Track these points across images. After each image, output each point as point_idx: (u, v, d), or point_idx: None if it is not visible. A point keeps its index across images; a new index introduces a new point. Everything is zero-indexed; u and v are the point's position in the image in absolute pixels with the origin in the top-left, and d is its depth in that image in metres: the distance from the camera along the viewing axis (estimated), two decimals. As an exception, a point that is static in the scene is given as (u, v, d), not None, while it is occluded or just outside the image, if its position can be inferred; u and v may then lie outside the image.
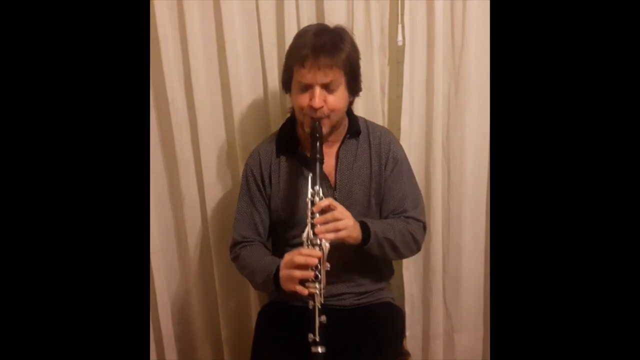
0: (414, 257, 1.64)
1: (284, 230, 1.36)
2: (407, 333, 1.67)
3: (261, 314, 1.40)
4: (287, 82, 1.27)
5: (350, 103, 1.32)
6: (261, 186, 1.34)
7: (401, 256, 1.38)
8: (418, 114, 1.57)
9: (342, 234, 1.15)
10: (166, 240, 1.65)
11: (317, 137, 1.19)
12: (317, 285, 1.10)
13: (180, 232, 1.65)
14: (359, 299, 1.33)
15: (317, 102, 1.18)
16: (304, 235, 1.14)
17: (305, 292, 1.10)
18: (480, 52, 1.51)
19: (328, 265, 1.13)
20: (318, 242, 1.12)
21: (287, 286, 1.15)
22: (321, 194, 1.14)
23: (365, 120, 1.38)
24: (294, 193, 1.31)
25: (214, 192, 1.59)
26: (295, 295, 1.13)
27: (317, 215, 1.13)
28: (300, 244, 1.20)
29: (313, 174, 1.16)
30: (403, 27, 1.49)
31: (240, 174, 1.55)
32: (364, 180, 1.31)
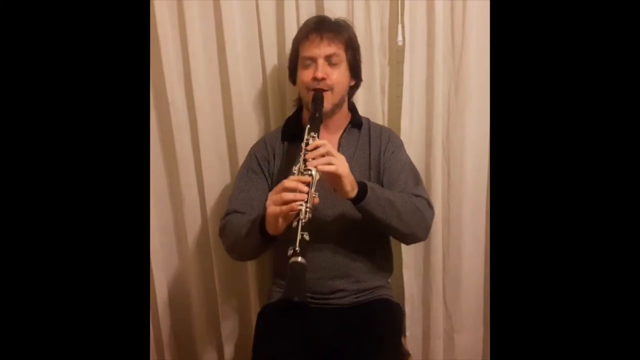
0: (414, 257, 1.65)
1: None
2: (407, 333, 1.68)
3: (261, 315, 1.39)
4: (293, 69, 1.34)
5: (352, 92, 1.37)
6: (264, 165, 1.36)
7: (407, 226, 1.24)
8: (418, 114, 1.57)
9: (332, 168, 1.10)
10: (166, 240, 1.65)
11: (318, 101, 1.24)
12: (303, 203, 1.04)
13: (180, 232, 1.65)
14: (358, 297, 1.33)
15: (320, 71, 1.24)
16: (295, 168, 1.11)
17: (290, 208, 1.04)
18: (480, 52, 1.51)
19: (316, 195, 1.07)
20: (308, 172, 1.08)
21: (271, 211, 1.08)
22: (317, 138, 1.15)
23: (369, 120, 1.43)
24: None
25: (214, 192, 1.59)
26: (280, 225, 1.08)
27: (310, 155, 1.11)
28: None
29: (311, 124, 1.18)
30: (403, 27, 1.49)
31: (239, 171, 1.55)
32: (363, 169, 1.33)
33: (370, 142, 1.36)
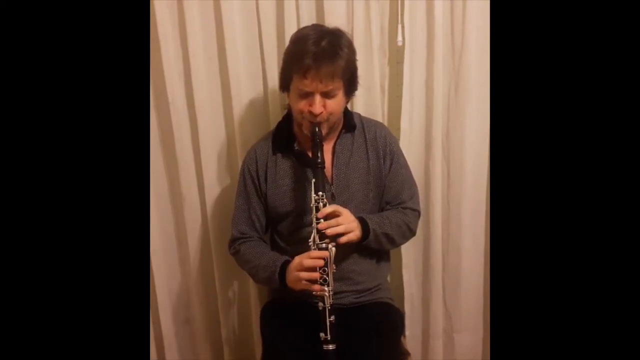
0: (414, 257, 1.65)
1: (281, 226, 1.38)
2: (407, 333, 1.68)
3: (264, 312, 1.41)
4: (285, 83, 1.29)
5: (346, 102, 1.35)
6: (257, 183, 1.37)
7: (397, 246, 1.44)
8: (418, 114, 1.57)
9: (351, 236, 1.21)
10: (166, 240, 1.65)
11: (317, 142, 1.23)
12: (325, 287, 1.15)
13: (180, 232, 1.65)
14: (358, 298, 1.34)
15: (317, 108, 1.22)
16: (310, 239, 1.18)
17: (314, 288, 1.15)
18: (480, 52, 1.51)
19: (334, 267, 1.19)
20: (324, 246, 1.17)
21: (296, 285, 1.20)
22: (325, 200, 1.19)
23: (360, 115, 1.42)
24: (291, 189, 1.33)
25: (214, 192, 1.59)
26: (300, 292, 1.20)
27: (322, 220, 1.17)
28: (299, 239, 1.26)
29: (316, 180, 1.20)
30: (403, 27, 1.49)
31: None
32: (362, 174, 1.33)
33: (367, 145, 1.35)
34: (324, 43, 1.19)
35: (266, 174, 1.36)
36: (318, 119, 1.23)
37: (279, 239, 1.40)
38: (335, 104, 1.25)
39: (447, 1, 1.48)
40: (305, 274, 1.16)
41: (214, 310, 1.69)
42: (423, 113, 1.57)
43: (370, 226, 1.26)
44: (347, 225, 1.20)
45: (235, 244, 1.39)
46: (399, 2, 1.48)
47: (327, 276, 1.15)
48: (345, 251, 1.29)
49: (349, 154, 1.34)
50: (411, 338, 1.70)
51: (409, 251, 1.63)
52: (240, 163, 1.55)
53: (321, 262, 1.15)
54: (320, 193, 1.18)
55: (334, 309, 1.16)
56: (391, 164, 1.36)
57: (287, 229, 1.36)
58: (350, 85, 1.28)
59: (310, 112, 1.22)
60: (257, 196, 1.38)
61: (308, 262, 1.16)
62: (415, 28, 1.50)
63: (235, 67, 1.49)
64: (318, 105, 1.22)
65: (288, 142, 1.35)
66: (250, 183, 1.38)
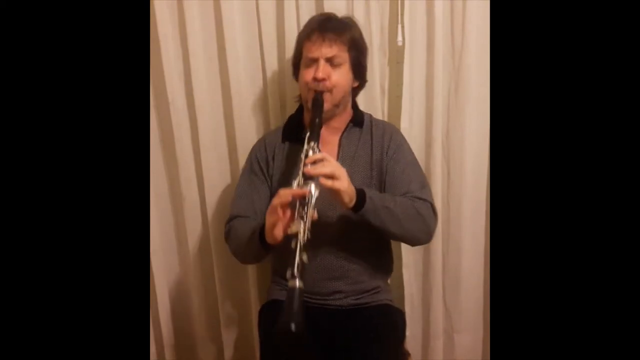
0: (414, 257, 1.65)
1: None
2: (407, 333, 1.67)
3: (262, 313, 1.40)
4: (296, 65, 1.33)
5: (356, 92, 1.36)
6: (264, 167, 1.36)
7: (407, 232, 1.25)
8: (418, 114, 1.57)
9: (337, 183, 1.11)
10: (166, 240, 1.65)
11: (317, 104, 1.23)
12: (301, 222, 1.06)
13: (180, 232, 1.65)
14: (357, 299, 1.32)
15: (321, 72, 1.23)
16: (294, 183, 1.12)
17: (286, 224, 1.09)
18: (480, 52, 1.51)
19: (315, 213, 1.09)
20: (308, 188, 1.09)
21: (269, 227, 1.12)
22: (317, 149, 1.15)
23: (371, 116, 1.41)
24: (296, 177, 1.25)
25: (214, 192, 1.59)
26: (276, 236, 1.11)
27: (308, 170, 1.11)
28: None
29: (311, 132, 1.18)
30: (403, 27, 1.49)
31: (241, 173, 1.55)
32: (365, 168, 1.32)
33: (373, 141, 1.34)
34: (331, 19, 1.30)
35: (273, 159, 1.35)
36: (321, 87, 1.24)
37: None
38: (340, 75, 1.26)
39: (447, 1, 1.48)
40: (277, 199, 1.09)
41: (214, 310, 1.69)
42: (423, 113, 1.57)
43: (367, 194, 1.18)
44: (334, 169, 1.12)
45: (230, 222, 1.35)
46: (399, 2, 1.48)
47: (306, 214, 1.06)
48: (345, 248, 1.26)
49: (355, 149, 1.33)
50: (411, 338, 1.70)
51: (409, 251, 1.63)
52: (240, 163, 1.55)
53: (297, 193, 1.08)
54: (313, 143, 1.15)
55: (333, 311, 1.15)
56: (394, 153, 1.32)
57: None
58: (358, 63, 1.30)
59: (314, 79, 1.24)
60: (263, 178, 1.35)
61: (286, 191, 1.09)
62: (415, 28, 1.50)
63: (235, 67, 1.49)
64: (322, 69, 1.23)
65: (297, 131, 1.34)
66: (256, 166, 1.36)
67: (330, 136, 1.33)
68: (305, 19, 1.48)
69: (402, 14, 1.48)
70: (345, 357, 1.16)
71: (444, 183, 1.61)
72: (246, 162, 1.41)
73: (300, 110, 1.39)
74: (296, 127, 1.36)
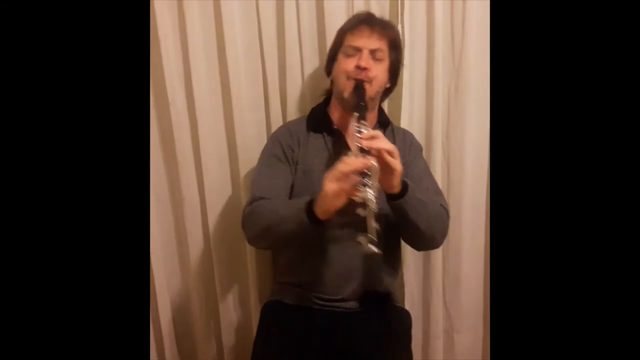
0: (414, 257, 1.65)
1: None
2: (408, 333, 1.68)
3: (263, 311, 1.39)
4: (332, 58, 1.33)
5: (385, 94, 1.37)
6: (288, 153, 1.30)
7: (432, 230, 1.24)
8: (418, 113, 1.57)
9: (394, 163, 1.08)
10: (166, 240, 1.64)
11: (361, 91, 1.22)
12: (368, 190, 1.01)
13: (180, 232, 1.65)
14: (365, 301, 1.31)
15: (365, 62, 1.23)
16: (350, 154, 1.09)
17: (355, 189, 1.02)
18: (480, 52, 1.51)
19: (376, 182, 1.05)
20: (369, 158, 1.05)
21: (329, 189, 1.04)
22: (368, 128, 1.13)
23: (391, 122, 1.42)
24: (320, 170, 1.25)
25: (214, 192, 1.59)
26: (338, 205, 1.05)
27: (365, 143, 1.07)
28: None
29: (359, 111, 1.17)
30: (403, 27, 1.49)
31: (240, 174, 1.55)
32: None
33: (395, 143, 1.32)
34: (376, 16, 1.32)
35: (299, 146, 1.31)
36: (362, 75, 1.23)
37: None
38: (380, 70, 1.26)
39: (447, 1, 1.48)
40: (344, 166, 1.02)
41: (214, 310, 1.69)
42: (423, 113, 1.57)
43: (409, 184, 1.16)
44: (393, 147, 1.08)
45: (252, 205, 1.23)
46: (399, 2, 1.48)
47: (371, 184, 1.02)
48: (356, 254, 1.21)
49: None
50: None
51: (409, 251, 1.63)
52: (240, 163, 1.55)
53: (362, 164, 1.02)
54: (363, 121, 1.13)
55: (340, 314, 1.13)
56: (413, 158, 1.34)
57: None
58: (395, 64, 1.32)
59: (357, 67, 1.23)
60: (287, 164, 1.29)
61: (349, 160, 1.03)
62: (416, 28, 1.50)
63: (235, 67, 1.49)
64: (365, 59, 1.23)
65: (323, 122, 1.33)
66: (280, 152, 1.30)
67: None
68: (305, 18, 1.48)
69: (402, 14, 1.48)
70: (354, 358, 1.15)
71: (444, 183, 1.61)
72: (266, 147, 1.35)
73: (326, 103, 1.38)
74: (322, 118, 1.35)
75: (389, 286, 1.37)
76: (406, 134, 1.40)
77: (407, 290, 1.67)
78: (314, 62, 1.52)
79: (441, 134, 1.56)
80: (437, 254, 1.62)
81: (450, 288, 1.68)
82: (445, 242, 1.62)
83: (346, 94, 1.26)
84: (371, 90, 1.26)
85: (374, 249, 0.99)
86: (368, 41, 1.25)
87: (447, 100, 1.56)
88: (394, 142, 1.32)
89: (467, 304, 1.69)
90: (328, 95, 1.39)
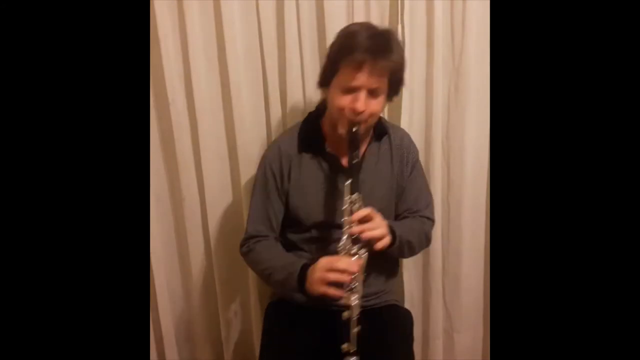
0: (413, 257, 1.65)
1: (301, 229, 1.33)
2: (409, 333, 1.68)
3: (268, 311, 1.40)
4: (328, 78, 1.22)
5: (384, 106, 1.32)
6: (279, 182, 1.31)
7: (413, 255, 1.40)
8: (418, 113, 1.57)
9: (385, 241, 1.15)
10: (166, 240, 1.65)
11: (355, 143, 1.18)
12: (353, 296, 1.08)
13: (180, 232, 1.65)
14: (367, 300, 1.30)
15: (362, 105, 1.15)
16: (341, 244, 1.11)
17: (338, 294, 1.08)
18: (480, 52, 1.51)
19: (363, 275, 1.11)
20: (355, 250, 1.09)
21: (317, 288, 1.10)
22: (360, 202, 1.12)
23: (383, 118, 1.39)
24: (315, 192, 1.29)
25: (214, 192, 1.59)
26: (320, 298, 1.11)
27: (354, 226, 1.10)
28: (320, 244, 1.23)
29: (353, 181, 1.14)
30: (403, 27, 1.49)
31: (240, 173, 1.55)
32: (386, 179, 1.32)
33: (392, 151, 1.33)
34: (379, 38, 1.15)
35: (290, 173, 1.29)
36: (359, 118, 1.17)
37: (296, 241, 1.34)
38: (377, 105, 1.19)
39: (447, 1, 1.48)
40: (334, 275, 1.07)
41: (214, 310, 1.69)
42: (423, 113, 1.57)
43: (397, 233, 1.20)
44: (382, 229, 1.14)
45: (249, 242, 1.32)
46: (399, 2, 1.48)
47: (356, 284, 1.08)
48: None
49: (376, 159, 1.32)
50: (411, 338, 1.70)
51: (409, 251, 1.63)
52: (240, 163, 1.55)
53: (356, 269, 1.07)
54: (356, 194, 1.11)
55: (339, 312, 1.14)
56: (411, 172, 1.34)
57: (307, 233, 1.31)
58: (394, 87, 1.23)
59: (353, 110, 1.16)
60: (277, 195, 1.31)
61: (342, 264, 1.07)
62: (416, 28, 1.50)
63: (235, 67, 1.49)
64: (363, 101, 1.15)
65: (317, 141, 1.30)
66: (271, 181, 1.30)
67: None
68: (305, 19, 1.48)
69: (402, 14, 1.48)
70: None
71: (444, 183, 1.61)
72: (259, 173, 1.35)
73: (318, 115, 1.33)
74: (314, 137, 1.30)
75: (387, 284, 1.37)
76: (403, 142, 1.35)
77: (407, 290, 1.67)
78: (314, 62, 1.52)
79: (441, 134, 1.56)
80: (437, 254, 1.62)
81: (450, 288, 1.68)
82: (445, 242, 1.64)
83: (340, 130, 1.21)
84: (367, 126, 1.23)
85: (352, 359, 1.07)
86: (368, 80, 1.14)
87: (447, 100, 1.56)
88: (390, 149, 1.33)
89: (467, 304, 1.69)
90: (321, 107, 1.33)
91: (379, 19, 1.49)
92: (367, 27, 1.19)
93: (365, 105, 1.16)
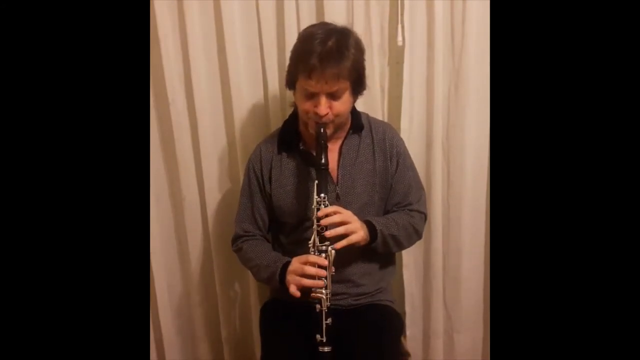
0: (414, 257, 1.65)
1: (285, 225, 1.37)
2: (407, 333, 1.68)
3: (264, 311, 1.42)
4: (291, 82, 1.27)
5: (353, 102, 1.33)
6: (262, 183, 1.36)
7: (403, 248, 1.43)
8: (418, 114, 1.57)
9: (353, 237, 1.19)
10: (166, 240, 1.65)
11: (322, 143, 1.21)
12: (323, 290, 1.15)
13: (180, 232, 1.65)
14: (357, 300, 1.33)
15: (323, 110, 1.19)
16: (310, 242, 1.18)
17: (310, 283, 1.16)
18: (480, 52, 1.50)
19: (333, 269, 1.17)
20: (324, 248, 1.16)
21: (291, 279, 1.19)
22: (327, 202, 1.17)
23: (367, 116, 1.39)
24: (296, 189, 1.33)
25: (214, 192, 1.59)
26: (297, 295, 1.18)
27: (322, 222, 1.16)
28: (302, 239, 1.25)
29: (319, 181, 1.19)
30: (403, 27, 1.49)
31: (240, 173, 1.55)
32: (367, 175, 1.32)
33: (374, 147, 1.33)
34: (330, 43, 1.16)
35: (271, 173, 1.35)
36: (323, 120, 1.21)
37: (282, 238, 1.40)
38: (341, 105, 1.22)
39: (447, 1, 1.48)
40: (307, 281, 1.16)
41: (214, 310, 1.69)
42: (423, 113, 1.57)
43: (377, 227, 1.25)
44: (348, 226, 1.18)
45: (238, 242, 1.40)
46: (399, 2, 1.47)
47: (326, 279, 1.15)
48: (350, 254, 1.26)
49: (355, 155, 1.33)
50: (411, 338, 1.70)
51: (409, 251, 1.63)
52: (240, 163, 1.55)
53: (324, 272, 1.15)
54: (323, 195, 1.17)
55: (331, 310, 1.16)
56: (397, 166, 1.34)
57: (291, 229, 1.36)
58: (357, 85, 1.25)
59: (316, 113, 1.20)
60: (261, 195, 1.37)
61: (310, 270, 1.16)
62: (415, 28, 1.50)
63: (235, 67, 1.49)
64: (323, 106, 1.19)
65: (293, 141, 1.34)
66: (254, 182, 1.37)
67: (331, 145, 1.30)
68: (305, 18, 1.48)
69: (402, 14, 1.48)
70: (341, 357, 1.17)
71: (444, 183, 1.61)
72: (244, 176, 1.41)
73: (294, 116, 1.36)
74: (291, 136, 1.34)
75: (381, 284, 1.38)
76: (386, 132, 1.35)
77: (407, 290, 1.67)
78: (314, 62, 1.52)
79: (441, 134, 1.56)
80: (437, 254, 1.62)
81: (450, 288, 1.68)
82: (445, 242, 1.64)
83: (311, 130, 1.25)
84: (336, 125, 1.25)
85: (325, 348, 1.14)
86: (323, 87, 1.17)
87: (447, 100, 1.56)
88: (372, 143, 1.34)
89: (467, 304, 1.69)
90: (296, 110, 1.34)
91: (379, 19, 1.49)
92: (323, 29, 1.21)
93: (327, 108, 1.20)
